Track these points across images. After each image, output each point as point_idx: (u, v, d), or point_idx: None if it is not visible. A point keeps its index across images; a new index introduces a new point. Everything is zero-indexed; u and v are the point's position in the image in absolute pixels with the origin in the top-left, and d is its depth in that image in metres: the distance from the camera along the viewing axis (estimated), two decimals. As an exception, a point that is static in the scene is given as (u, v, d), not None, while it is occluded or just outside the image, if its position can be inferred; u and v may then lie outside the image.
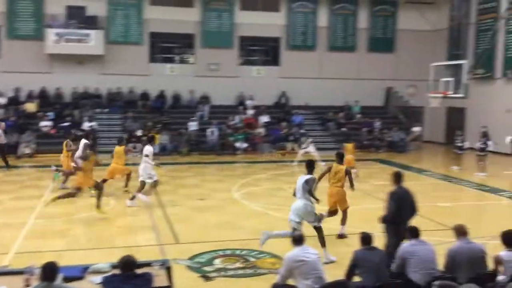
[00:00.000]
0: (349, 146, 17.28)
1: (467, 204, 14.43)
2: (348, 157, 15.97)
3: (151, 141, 13.84)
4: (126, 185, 14.62)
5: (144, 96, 26.01)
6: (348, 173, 10.22)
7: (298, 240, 6.50)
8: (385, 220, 7.94)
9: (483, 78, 25.49)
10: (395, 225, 7.79)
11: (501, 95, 24.42)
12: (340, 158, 10.57)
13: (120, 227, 11.05)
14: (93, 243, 9.96)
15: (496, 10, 24.61)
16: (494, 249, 8.41)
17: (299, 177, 9.06)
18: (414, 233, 6.86)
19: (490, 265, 6.75)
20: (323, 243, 8.90)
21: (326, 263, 8.40)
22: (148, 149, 13.18)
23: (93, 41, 24.40)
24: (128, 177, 14.69)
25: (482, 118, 24.01)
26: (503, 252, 6.54)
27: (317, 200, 8.94)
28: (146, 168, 13.08)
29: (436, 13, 28.19)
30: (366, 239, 6.69)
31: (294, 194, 9.03)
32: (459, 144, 19.77)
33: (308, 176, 8.93)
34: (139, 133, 23.00)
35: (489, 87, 25.27)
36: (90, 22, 24.63)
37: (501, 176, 18.21)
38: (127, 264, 5.48)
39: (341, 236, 10.35)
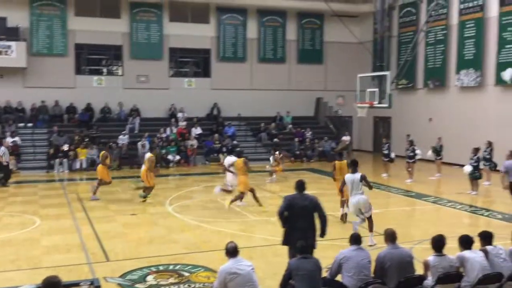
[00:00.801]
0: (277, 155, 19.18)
1: (396, 210, 14.92)
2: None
3: (235, 152, 16.30)
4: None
5: (71, 109, 25.18)
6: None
7: (232, 252, 6.47)
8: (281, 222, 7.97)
9: (406, 88, 26.63)
10: (288, 228, 7.82)
11: (423, 104, 25.58)
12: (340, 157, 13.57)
13: (48, 247, 10.57)
14: (19, 264, 9.47)
15: (415, 24, 25.85)
16: (422, 252, 8.75)
17: (348, 176, 10.71)
18: (355, 240, 7.00)
19: (418, 269, 6.99)
20: (371, 229, 10.49)
21: (370, 245, 9.91)
22: (231, 159, 14.84)
23: (15, 53, 23.33)
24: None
25: (407, 127, 25.04)
26: (430, 257, 6.79)
27: (371, 187, 11.33)
28: (230, 176, 14.62)
29: (360, 26, 29.22)
30: (302, 248, 6.74)
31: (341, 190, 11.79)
32: (386, 152, 20.51)
33: (360, 173, 10.65)
34: (65, 147, 22.22)
35: (412, 96, 26.42)
36: (11, 34, 23.56)
37: (426, 182, 19.02)
38: (50, 285, 5.20)
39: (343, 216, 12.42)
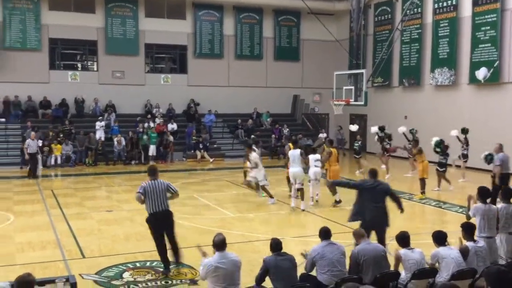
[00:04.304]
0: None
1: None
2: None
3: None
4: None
5: (45, 104, 24.79)
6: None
7: (219, 245, 6.44)
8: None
9: (382, 86, 26.92)
10: (359, 206, 8.89)
11: (399, 102, 25.88)
12: (330, 143, 15.08)
13: (21, 243, 10.40)
14: (-9, 261, 9.30)
15: (391, 22, 26.13)
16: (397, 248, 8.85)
17: (290, 152, 13.70)
18: (325, 234, 7.04)
19: (392, 265, 7.08)
20: (302, 197, 13.67)
21: (303, 210, 13.39)
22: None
23: (-13, 47, 22.95)
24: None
25: (383, 124, 25.27)
26: (401, 250, 6.86)
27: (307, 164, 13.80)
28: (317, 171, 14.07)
29: (336, 24, 29.43)
30: (276, 245, 6.76)
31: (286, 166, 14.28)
32: (357, 149, 20.90)
33: (299, 150, 13.65)
34: (40, 143, 21.84)
35: (388, 94, 26.72)
36: (-17, 27, 23.17)
37: (401, 179, 19.24)
38: (24, 284, 5.10)
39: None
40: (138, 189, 8.42)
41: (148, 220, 8.52)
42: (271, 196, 14.36)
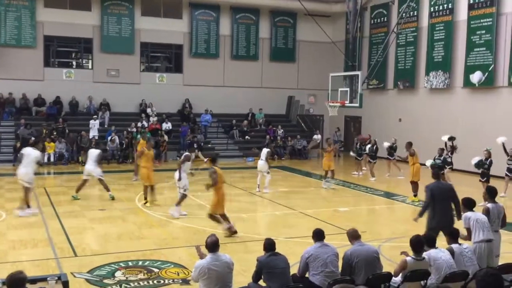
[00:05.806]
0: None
1: (364, 208, 15.09)
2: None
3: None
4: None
5: (39, 102, 24.68)
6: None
7: (211, 247, 6.38)
8: None
9: (377, 88, 26.98)
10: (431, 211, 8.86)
11: (393, 104, 25.95)
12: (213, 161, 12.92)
13: (14, 241, 10.34)
14: (-18, 259, 9.23)
15: (387, 25, 26.20)
16: (389, 250, 8.89)
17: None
18: (319, 236, 7.02)
19: (385, 266, 7.07)
20: (178, 202, 12.74)
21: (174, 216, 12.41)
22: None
23: (-19, 44, 22.84)
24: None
25: (377, 127, 25.38)
26: (409, 258, 6.71)
27: (192, 174, 14.02)
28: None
29: (333, 25, 29.45)
30: (270, 245, 6.76)
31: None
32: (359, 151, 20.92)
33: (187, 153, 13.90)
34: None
35: (382, 97, 26.78)
36: (-22, 23, 23.05)
37: (395, 182, 19.29)
38: (15, 281, 5.06)
39: None
40: None
41: None
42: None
